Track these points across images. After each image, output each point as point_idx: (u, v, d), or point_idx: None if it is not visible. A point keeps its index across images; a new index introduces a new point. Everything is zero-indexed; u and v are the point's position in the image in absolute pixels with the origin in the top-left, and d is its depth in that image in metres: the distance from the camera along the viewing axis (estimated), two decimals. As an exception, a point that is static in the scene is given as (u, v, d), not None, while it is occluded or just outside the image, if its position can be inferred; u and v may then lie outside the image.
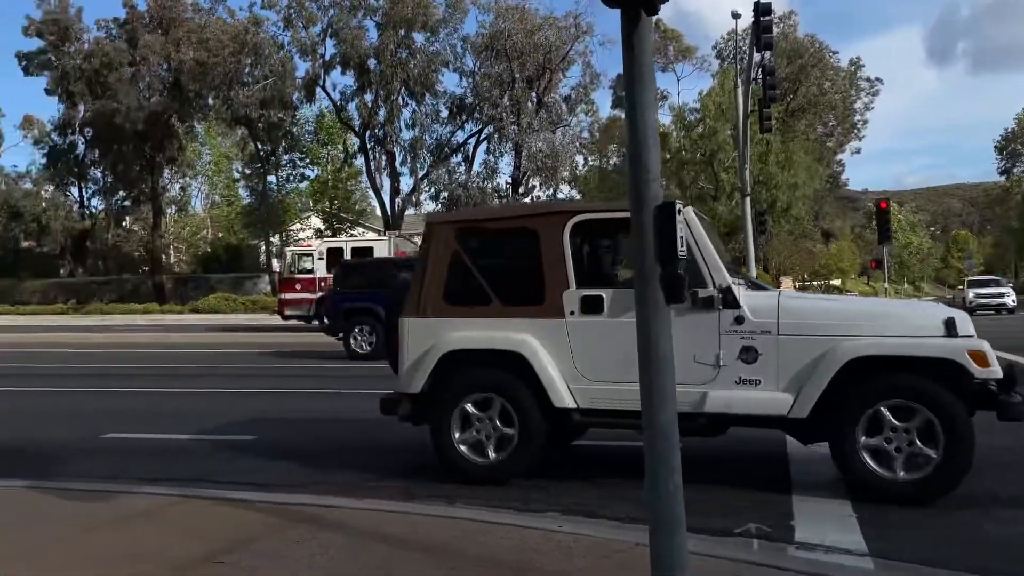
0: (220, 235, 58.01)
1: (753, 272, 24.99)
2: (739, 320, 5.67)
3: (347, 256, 26.29)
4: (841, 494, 5.63)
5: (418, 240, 29.43)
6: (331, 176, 49.65)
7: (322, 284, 26.00)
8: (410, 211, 45.15)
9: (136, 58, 44.84)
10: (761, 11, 21.58)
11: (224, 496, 5.57)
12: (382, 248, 26.76)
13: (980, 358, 5.28)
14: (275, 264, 26.55)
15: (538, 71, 40.45)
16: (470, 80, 42.32)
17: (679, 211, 3.13)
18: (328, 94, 43.23)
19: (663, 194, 3.17)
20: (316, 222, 51.30)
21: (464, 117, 43.15)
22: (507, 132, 40.55)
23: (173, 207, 56.17)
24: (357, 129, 43.75)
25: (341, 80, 48.35)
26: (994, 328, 21.49)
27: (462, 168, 43.78)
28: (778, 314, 5.68)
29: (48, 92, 48.21)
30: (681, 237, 3.11)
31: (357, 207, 52.05)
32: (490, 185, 42.37)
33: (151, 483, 6.07)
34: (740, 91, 26.88)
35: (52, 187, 52.68)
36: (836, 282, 56.79)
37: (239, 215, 51.65)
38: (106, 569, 4.18)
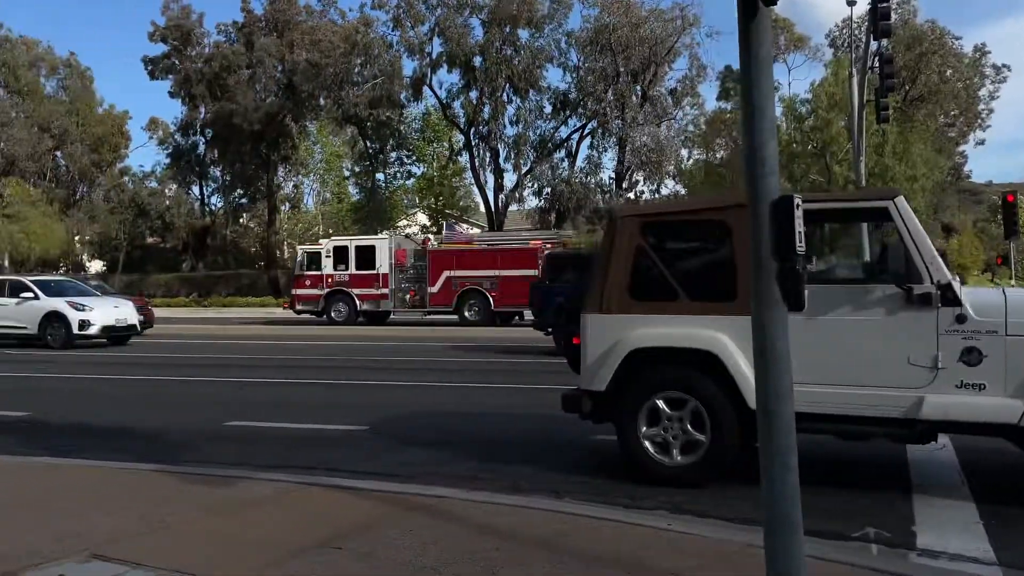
0: (331, 231, 59.78)
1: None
2: (960, 319, 5.28)
3: (351, 254, 27.79)
4: (965, 499, 5.39)
5: (414, 241, 30.05)
6: (436, 173, 50.52)
7: (329, 280, 27.65)
8: (513, 207, 45.52)
9: (253, 60, 46.76)
10: (878, -3, 20.71)
11: (341, 484, 5.75)
12: (383, 247, 27.85)
13: None
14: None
15: (643, 64, 40.05)
16: (574, 75, 42.29)
17: (797, 205, 3.05)
18: (434, 92, 44.10)
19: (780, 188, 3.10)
20: (422, 218, 52.28)
21: (568, 112, 43.14)
22: (611, 127, 40.33)
23: (287, 204, 58.29)
24: (462, 126, 44.35)
25: (447, 78, 49.14)
26: None
27: (565, 164, 43.83)
28: (1006, 312, 5.28)
29: (171, 95, 50.97)
30: (799, 232, 3.05)
31: (461, 203, 52.80)
32: (593, 180, 42.26)
33: (273, 470, 6.32)
34: (855, 81, 25.91)
35: (175, 186, 55.62)
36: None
37: (349, 212, 53.14)
38: (230, 550, 4.38)
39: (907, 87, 52.37)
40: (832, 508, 5.25)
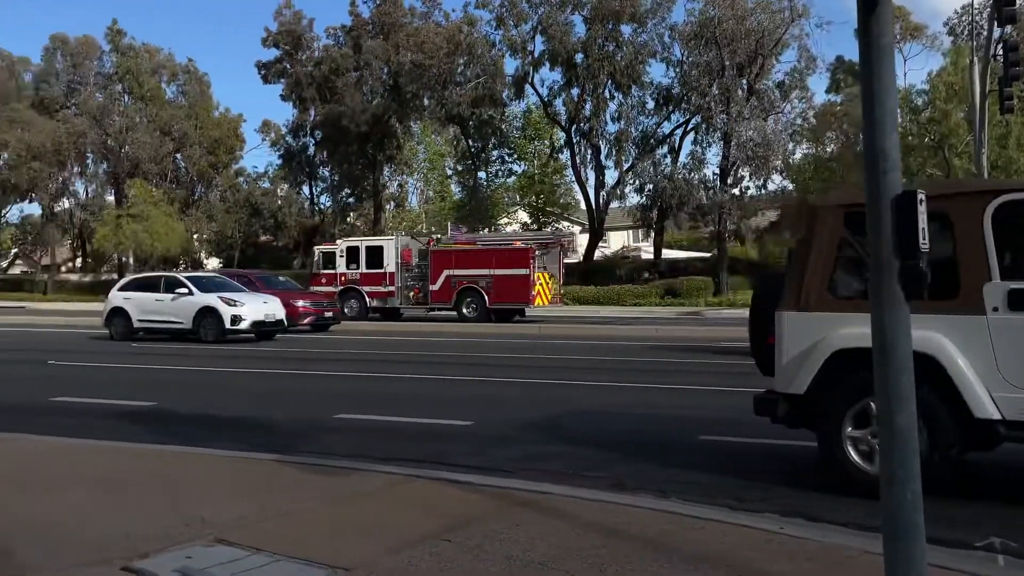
0: (433, 229, 60.80)
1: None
2: None
3: (362, 254, 29.08)
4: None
5: (423, 238, 30.62)
6: (537, 171, 50.65)
7: (342, 279, 29.11)
8: (615, 204, 45.21)
9: (360, 63, 48.00)
10: (1004, -19, 19.69)
11: (450, 478, 5.87)
12: (391, 247, 29.03)
13: None
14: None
15: (749, 57, 39.06)
16: (677, 70, 41.63)
17: (921, 201, 2.94)
18: (536, 90, 44.20)
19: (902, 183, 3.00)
20: (523, 216, 52.53)
21: (671, 108, 42.52)
22: (715, 121, 39.51)
23: (392, 203, 59.58)
24: (563, 124, 44.31)
25: (549, 76, 49.28)
26: None
27: (667, 160, 43.23)
28: None
29: (283, 98, 52.85)
30: (923, 229, 2.94)
31: (562, 201, 52.80)
32: (696, 176, 41.53)
33: (384, 462, 6.48)
34: (977, 69, 24.69)
35: (287, 186, 57.65)
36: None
37: (452, 210, 53.93)
38: (345, 539, 4.53)
39: (1034, 75, 49.40)
40: (955, 515, 5.03)
